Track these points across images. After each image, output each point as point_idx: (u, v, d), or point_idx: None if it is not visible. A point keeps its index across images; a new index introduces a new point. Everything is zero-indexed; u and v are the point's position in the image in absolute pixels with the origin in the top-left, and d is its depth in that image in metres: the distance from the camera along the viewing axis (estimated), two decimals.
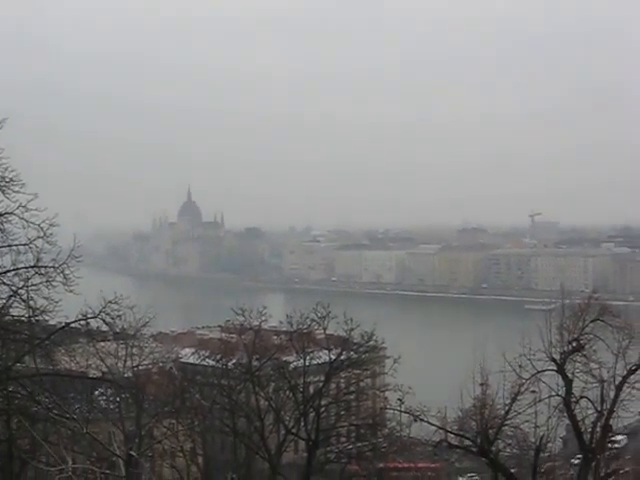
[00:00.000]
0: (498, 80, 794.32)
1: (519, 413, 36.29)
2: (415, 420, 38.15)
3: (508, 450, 40.02)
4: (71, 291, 27.70)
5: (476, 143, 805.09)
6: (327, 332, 55.78)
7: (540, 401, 37.03)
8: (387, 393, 57.28)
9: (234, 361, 58.38)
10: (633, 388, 36.29)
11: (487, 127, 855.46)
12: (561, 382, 36.44)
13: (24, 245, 27.11)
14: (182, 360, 68.63)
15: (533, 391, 36.68)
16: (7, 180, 26.59)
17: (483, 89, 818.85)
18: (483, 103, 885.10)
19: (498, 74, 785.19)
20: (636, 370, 36.18)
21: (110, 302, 29.98)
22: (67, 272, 27.28)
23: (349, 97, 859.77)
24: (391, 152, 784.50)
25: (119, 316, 38.36)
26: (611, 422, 37.13)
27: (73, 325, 30.69)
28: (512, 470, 37.90)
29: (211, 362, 61.25)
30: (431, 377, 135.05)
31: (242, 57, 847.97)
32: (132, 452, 26.79)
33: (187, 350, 74.12)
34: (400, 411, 42.67)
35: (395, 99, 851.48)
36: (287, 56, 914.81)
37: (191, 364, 67.13)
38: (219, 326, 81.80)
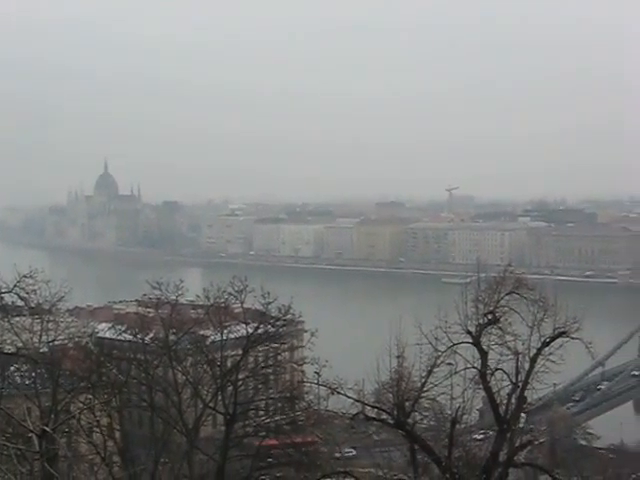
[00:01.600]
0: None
1: (435, 385, 36.56)
2: (332, 393, 38.23)
3: (425, 422, 40.32)
4: None
5: (397, 122, 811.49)
6: (244, 306, 55.64)
7: (456, 373, 37.38)
8: (305, 366, 57.38)
9: (151, 335, 57.97)
10: (547, 360, 36.76)
11: (407, 107, 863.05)
12: (477, 354, 36.77)
13: None
14: (99, 335, 67.86)
15: (449, 363, 36.98)
16: None
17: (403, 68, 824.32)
18: (408, 83, 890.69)
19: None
20: (550, 342, 36.65)
21: (25, 276, 29.54)
22: None
23: (276, 68, 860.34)
24: (311, 128, 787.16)
25: (34, 291, 37.88)
26: (526, 394, 37.56)
27: None
28: (429, 442, 38.22)
29: (128, 337, 60.76)
30: (349, 350, 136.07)
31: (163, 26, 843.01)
32: (47, 428, 26.36)
33: (104, 325, 73.41)
34: (317, 384, 42.69)
35: (314, 70, 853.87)
36: (212, 24, 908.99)
37: (108, 339, 66.49)
38: (136, 300, 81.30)
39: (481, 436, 54.40)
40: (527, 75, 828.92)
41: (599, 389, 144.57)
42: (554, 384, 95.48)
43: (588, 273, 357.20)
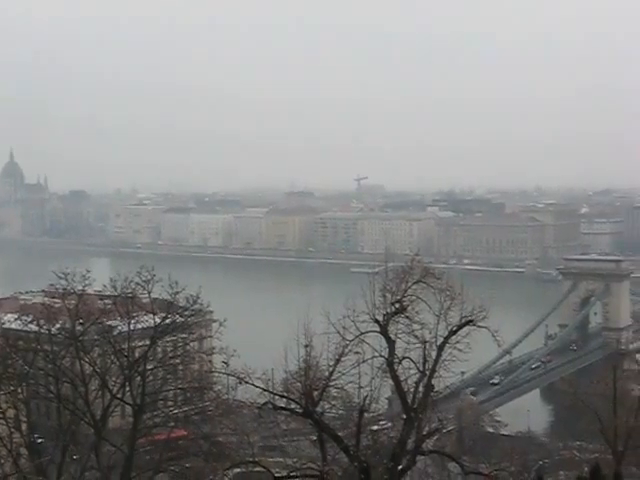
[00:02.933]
0: None
1: (343, 374, 36.65)
2: (240, 383, 38.10)
3: (334, 411, 40.40)
4: None
5: (302, 115, 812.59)
6: (152, 296, 55.13)
7: (364, 362, 37.47)
8: (213, 356, 57.16)
9: (58, 326, 57.12)
10: (454, 348, 37.12)
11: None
12: (384, 343, 36.97)
13: None
14: (4, 326, 66.74)
15: (357, 352, 37.06)
16: None
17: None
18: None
19: None
20: (457, 331, 37.02)
21: None
22: None
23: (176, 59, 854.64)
24: (211, 118, 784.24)
25: None
26: (433, 382, 37.87)
27: None
28: (337, 431, 38.32)
29: (34, 327, 59.79)
30: (257, 340, 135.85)
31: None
32: None
33: (9, 315, 72.06)
34: (226, 374, 42.58)
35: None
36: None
37: (14, 330, 65.31)
38: (42, 291, 79.97)
39: (389, 424, 54.72)
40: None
41: (504, 378, 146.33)
42: (462, 372, 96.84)
43: (496, 263, 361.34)
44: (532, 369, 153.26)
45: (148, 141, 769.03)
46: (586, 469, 31.34)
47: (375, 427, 43.38)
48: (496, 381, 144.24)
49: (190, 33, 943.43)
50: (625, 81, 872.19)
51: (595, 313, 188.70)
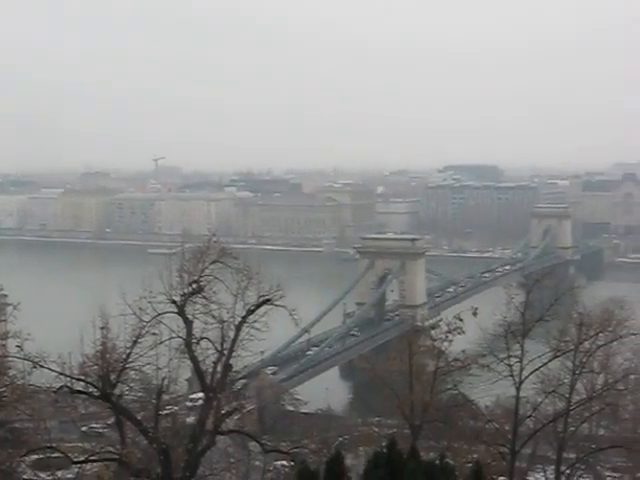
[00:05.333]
0: None
1: (141, 356, 36.21)
2: (35, 367, 37.14)
3: (133, 394, 39.88)
4: None
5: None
6: None
7: (161, 343, 37.17)
8: (7, 341, 55.47)
9: None
10: (252, 328, 37.20)
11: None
12: (182, 324, 36.73)
13: None
14: None
15: (154, 334, 36.71)
16: None
17: None
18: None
19: None
20: (255, 310, 37.11)
21: None
22: None
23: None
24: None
25: None
26: (231, 361, 37.85)
27: None
28: (136, 413, 37.87)
29: None
30: (53, 323, 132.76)
31: None
32: None
33: None
34: (20, 358, 41.35)
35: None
36: None
37: None
38: None
39: (189, 405, 54.48)
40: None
41: (306, 355, 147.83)
42: (261, 352, 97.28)
43: (294, 242, 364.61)
44: (331, 347, 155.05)
45: None
46: (384, 444, 32.03)
47: (176, 408, 43.15)
48: (311, 353, 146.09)
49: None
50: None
51: (392, 291, 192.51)
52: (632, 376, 71.20)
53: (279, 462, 71.30)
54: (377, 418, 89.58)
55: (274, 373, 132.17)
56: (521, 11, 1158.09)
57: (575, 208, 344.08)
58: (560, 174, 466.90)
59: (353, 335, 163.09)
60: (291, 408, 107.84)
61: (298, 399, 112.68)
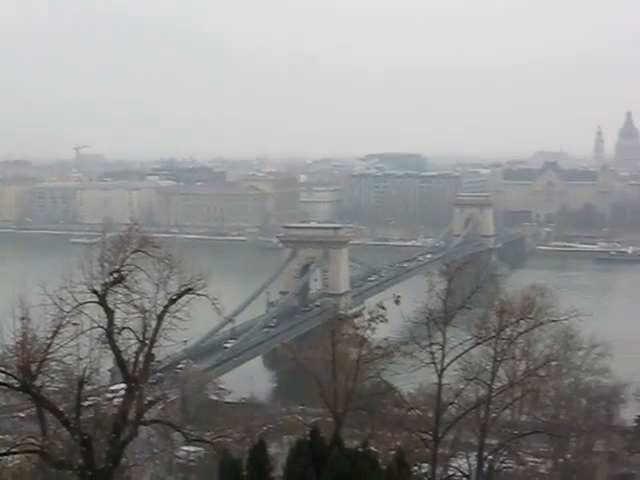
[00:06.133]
0: None
1: (62, 346, 35.76)
2: None
3: (55, 385, 39.46)
4: None
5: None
6: None
7: (82, 333, 36.81)
8: None
9: None
10: (174, 317, 37.02)
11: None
12: (103, 314, 36.41)
13: None
14: None
15: (75, 324, 36.31)
16: None
17: None
18: None
19: None
20: (177, 299, 36.94)
21: None
22: None
23: None
24: None
25: None
26: (154, 351, 37.65)
27: None
28: (58, 405, 37.48)
29: None
30: None
31: None
32: None
33: None
34: None
35: None
36: None
37: None
38: None
39: (112, 395, 54.08)
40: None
41: (229, 345, 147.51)
42: (184, 341, 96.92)
43: (218, 231, 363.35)
44: (254, 336, 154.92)
45: None
46: (308, 432, 32.15)
47: (98, 399, 42.84)
48: (228, 345, 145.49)
49: None
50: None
51: (315, 279, 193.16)
52: (553, 362, 72.39)
53: (186, 448, 71.46)
54: (301, 406, 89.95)
55: (197, 362, 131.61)
56: None
57: (497, 197, 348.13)
58: (482, 163, 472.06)
59: (270, 327, 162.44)
60: (215, 397, 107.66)
61: (222, 388, 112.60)
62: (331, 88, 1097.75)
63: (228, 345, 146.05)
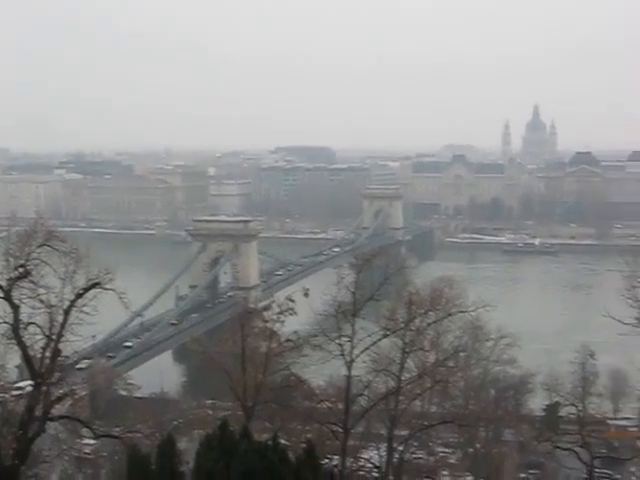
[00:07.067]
0: None
1: None
2: None
3: None
4: None
5: None
6: None
7: None
8: None
9: None
10: (81, 312, 36.64)
11: None
12: (9, 309, 35.90)
13: None
14: None
15: None
16: None
17: None
18: None
19: None
20: (83, 294, 36.56)
21: None
22: None
23: None
24: None
25: None
26: (61, 347, 37.22)
27: None
28: None
29: None
30: None
31: None
32: None
33: None
34: None
35: None
36: None
37: None
38: None
39: (19, 392, 53.33)
40: None
41: (129, 344, 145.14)
42: (92, 336, 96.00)
43: (126, 225, 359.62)
44: (164, 330, 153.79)
45: None
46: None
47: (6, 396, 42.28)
48: (129, 344, 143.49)
49: None
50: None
51: (225, 273, 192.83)
52: (462, 353, 73.30)
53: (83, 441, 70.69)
54: (211, 400, 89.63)
55: (107, 357, 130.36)
56: None
57: (406, 189, 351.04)
58: (392, 156, 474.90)
59: (173, 324, 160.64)
60: (124, 393, 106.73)
61: (131, 383, 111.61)
62: (240, 79, 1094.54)
63: (129, 344, 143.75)
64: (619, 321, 36.57)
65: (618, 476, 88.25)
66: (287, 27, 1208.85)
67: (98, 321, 38.23)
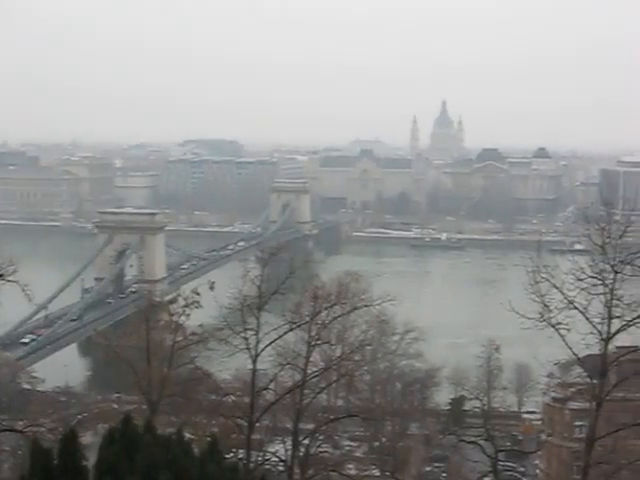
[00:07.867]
0: None
1: None
2: None
3: None
4: None
5: None
6: None
7: None
8: None
9: None
10: None
11: None
12: None
13: None
14: None
15: None
16: None
17: None
18: None
19: None
20: None
21: None
22: None
23: None
24: None
25: None
26: None
27: None
28: None
29: None
30: None
31: None
32: None
33: None
34: None
35: None
36: None
37: None
38: None
39: None
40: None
41: (26, 340, 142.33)
42: None
43: (31, 217, 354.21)
44: (69, 323, 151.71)
45: None
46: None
47: None
48: (26, 340, 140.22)
49: None
50: None
51: (131, 266, 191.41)
52: (368, 347, 73.94)
53: None
54: (116, 394, 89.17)
55: (9, 350, 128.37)
56: None
57: (313, 183, 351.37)
58: (299, 150, 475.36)
59: (73, 320, 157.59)
60: (28, 386, 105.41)
61: (35, 377, 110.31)
62: (147, 71, 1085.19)
63: (26, 340, 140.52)
64: (522, 316, 37.27)
65: (522, 469, 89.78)
66: (189, 19, 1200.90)
67: (0, 314, 37.79)
